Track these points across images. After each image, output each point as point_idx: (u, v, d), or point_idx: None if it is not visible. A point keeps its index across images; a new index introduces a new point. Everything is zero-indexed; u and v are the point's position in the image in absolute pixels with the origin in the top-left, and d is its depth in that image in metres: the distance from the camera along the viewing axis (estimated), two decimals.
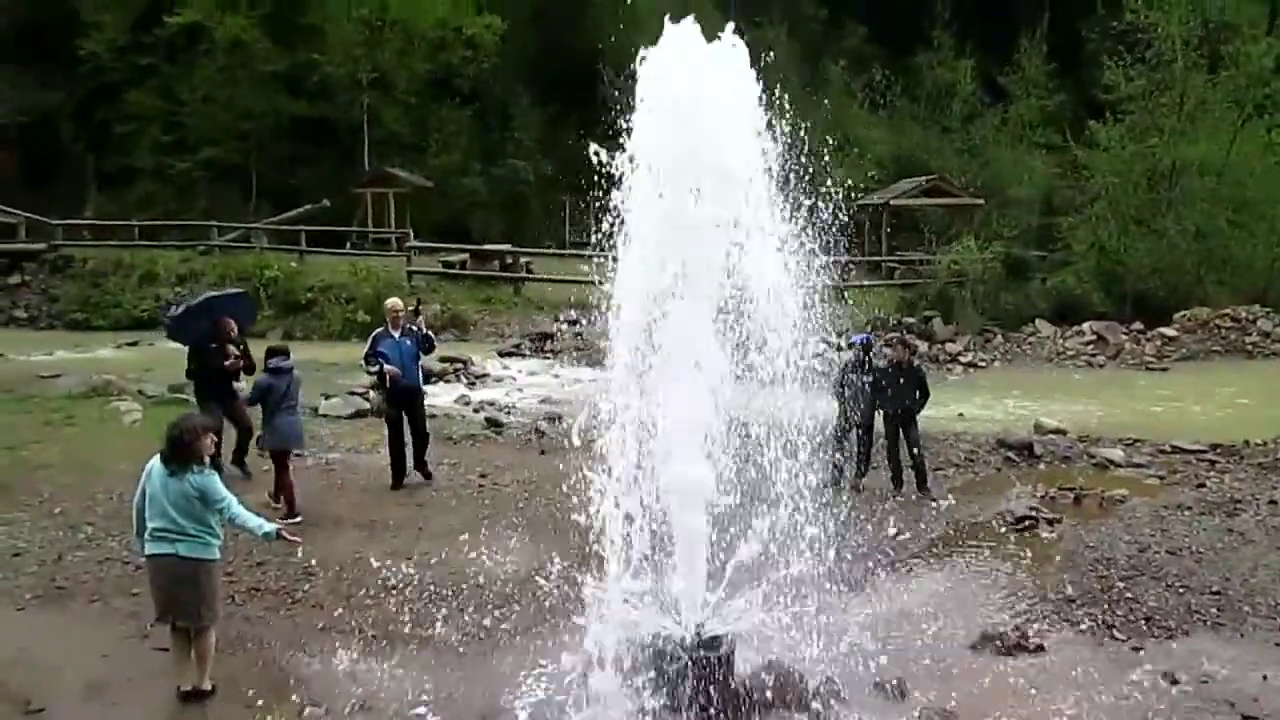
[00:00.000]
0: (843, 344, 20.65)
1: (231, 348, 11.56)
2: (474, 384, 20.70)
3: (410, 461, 11.78)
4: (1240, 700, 6.57)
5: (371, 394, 15.35)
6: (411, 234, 31.65)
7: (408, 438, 11.72)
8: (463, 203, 38.27)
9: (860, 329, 14.88)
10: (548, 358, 24.27)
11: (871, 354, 12.34)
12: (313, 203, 34.54)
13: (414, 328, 11.69)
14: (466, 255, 30.95)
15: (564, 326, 26.06)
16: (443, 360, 21.83)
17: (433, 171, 37.95)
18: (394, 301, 12.12)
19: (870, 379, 11.75)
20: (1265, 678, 6.92)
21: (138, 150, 37.99)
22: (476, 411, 17.30)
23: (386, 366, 11.25)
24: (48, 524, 10.12)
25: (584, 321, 26.60)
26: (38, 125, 37.76)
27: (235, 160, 37.57)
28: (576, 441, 5.95)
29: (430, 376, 20.52)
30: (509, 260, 30.60)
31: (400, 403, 11.53)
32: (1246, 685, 6.81)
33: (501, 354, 24.19)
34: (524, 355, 24.44)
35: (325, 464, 12.75)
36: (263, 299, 26.01)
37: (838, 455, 11.63)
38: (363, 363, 11.90)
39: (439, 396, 18.95)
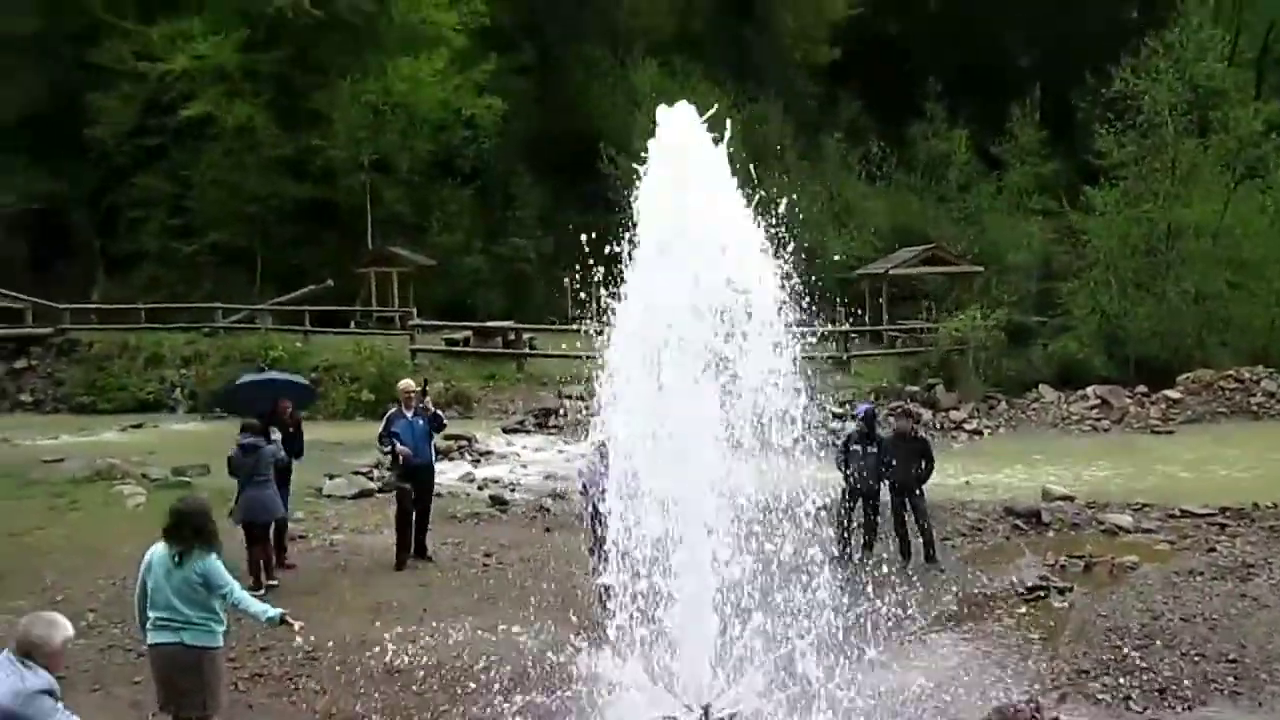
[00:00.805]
0: (845, 413, 20.65)
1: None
2: (478, 461, 20.64)
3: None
4: None
5: (385, 473, 15.39)
6: (415, 312, 31.84)
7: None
8: (465, 281, 38.56)
9: (864, 399, 14.91)
10: (552, 433, 24.21)
11: (876, 424, 12.34)
12: (316, 283, 34.83)
13: (424, 406, 11.95)
14: (469, 332, 31.08)
15: (568, 401, 26.07)
16: (447, 438, 21.74)
17: (435, 250, 38.31)
18: (407, 383, 12.61)
19: (875, 449, 11.74)
20: None
21: (144, 234, 38.44)
22: (481, 489, 17.24)
23: (399, 447, 11.54)
24: (51, 610, 10.03)
25: (587, 395, 26.69)
26: (47, 212, 38.31)
27: (240, 243, 37.97)
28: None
29: (436, 454, 20.59)
30: (511, 336, 30.72)
31: (413, 480, 11.80)
32: None
33: (505, 430, 24.14)
34: (528, 431, 24.40)
35: (329, 545, 12.70)
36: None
37: (844, 527, 11.56)
38: (378, 443, 12.12)
39: (443, 474, 18.73)
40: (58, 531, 13.26)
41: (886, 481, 11.85)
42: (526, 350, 30.03)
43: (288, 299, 34.05)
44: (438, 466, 19.78)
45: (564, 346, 29.69)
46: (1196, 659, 8.51)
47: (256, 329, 30.68)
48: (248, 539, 10.75)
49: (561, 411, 25.45)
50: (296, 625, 5.72)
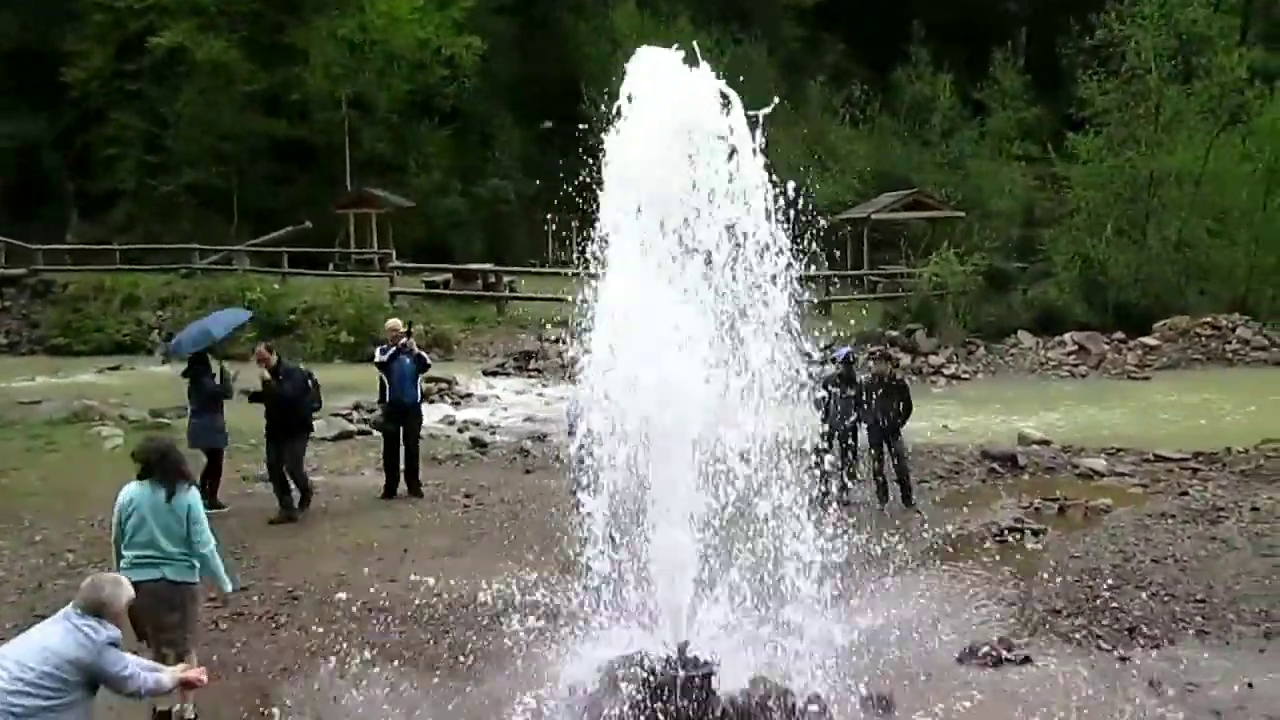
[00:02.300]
0: (825, 357, 20.71)
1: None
2: (459, 404, 20.64)
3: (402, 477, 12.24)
4: (1225, 708, 6.60)
5: (376, 408, 15.40)
6: (394, 254, 31.58)
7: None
8: (444, 222, 38.27)
9: (844, 343, 14.90)
10: (532, 376, 24.22)
11: (855, 367, 12.36)
12: (294, 224, 34.49)
13: (409, 346, 12.16)
14: (450, 275, 30.93)
15: (548, 345, 26.04)
16: (427, 380, 21.71)
17: (414, 191, 37.96)
18: (394, 322, 12.87)
19: (853, 392, 11.78)
20: (1250, 685, 6.94)
21: (120, 173, 37.95)
22: (461, 431, 17.26)
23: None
24: (28, 552, 10.03)
25: (567, 339, 26.64)
26: (21, 152, 37.68)
27: (217, 183, 37.54)
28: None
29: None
30: (492, 279, 30.58)
31: (398, 419, 12.13)
32: (1231, 693, 6.83)
33: (486, 373, 24.14)
34: (508, 374, 24.38)
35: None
36: (245, 322, 25.90)
37: (822, 469, 11.60)
38: (379, 370, 12.28)
39: (424, 417, 18.86)
40: (34, 473, 13.21)
41: (864, 424, 11.90)
42: (507, 293, 29.92)
43: (265, 240, 33.74)
44: None
45: (545, 290, 29.73)
46: (1166, 599, 8.65)
47: (234, 270, 30.40)
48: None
49: (542, 355, 25.45)
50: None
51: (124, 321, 27.30)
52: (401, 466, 12.22)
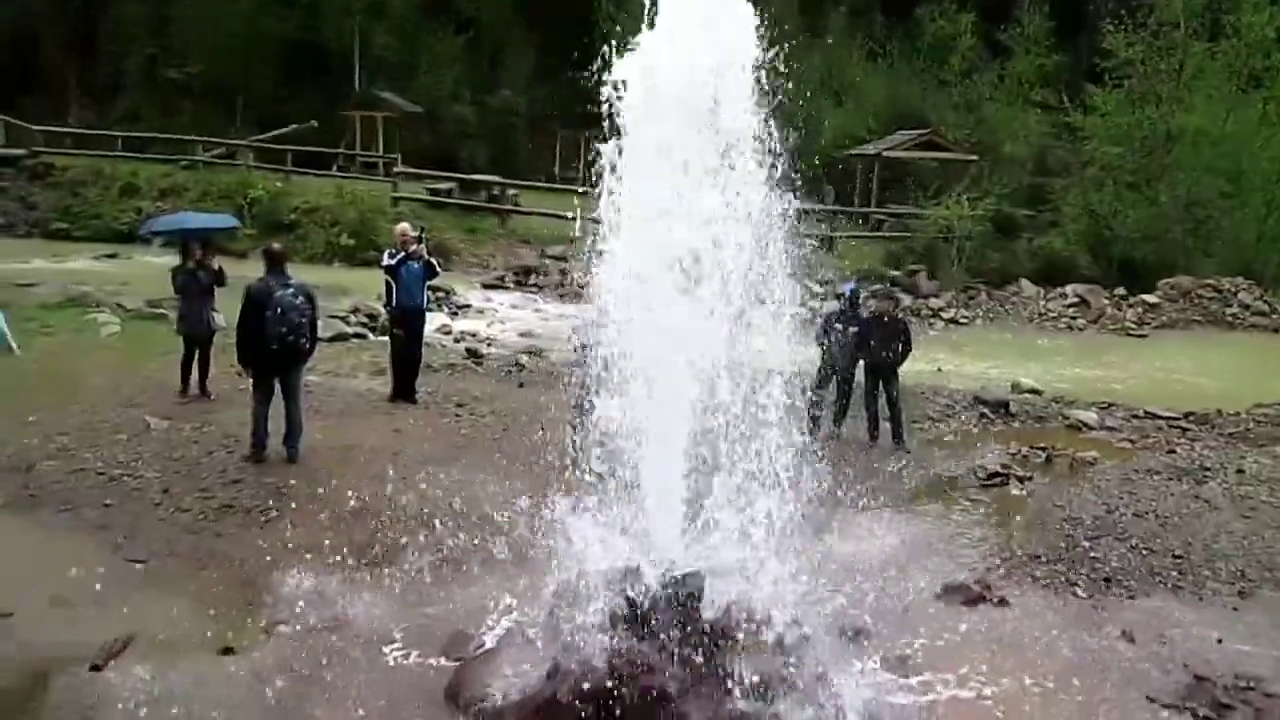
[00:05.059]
0: (826, 294, 20.69)
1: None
2: (456, 314, 20.61)
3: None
4: (1194, 661, 6.71)
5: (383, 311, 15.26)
6: (399, 159, 31.19)
7: None
8: (451, 131, 37.79)
9: (847, 279, 14.85)
10: (531, 292, 24.15)
11: (858, 304, 12.31)
12: (300, 123, 34.01)
13: (419, 252, 12.09)
14: (453, 184, 30.58)
15: (549, 261, 25.91)
16: (428, 289, 21.71)
17: (422, 97, 37.39)
18: (404, 226, 12.68)
19: (855, 329, 11.76)
20: (1220, 640, 7.06)
21: (123, 64, 37.26)
22: (457, 342, 17.26)
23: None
24: (20, 432, 10.03)
25: (570, 257, 26.50)
26: (20, 35, 36.91)
27: (222, 78, 36.89)
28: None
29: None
30: (496, 191, 30.26)
31: (405, 325, 12.21)
32: (1201, 647, 6.95)
33: (485, 286, 24.06)
34: (507, 288, 24.30)
35: (304, 387, 12.66)
36: (246, 218, 25.69)
37: (816, 403, 11.66)
38: (385, 274, 12.25)
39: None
40: (29, 356, 13.15)
41: (862, 361, 11.90)
42: (510, 206, 29.64)
43: (269, 136, 33.27)
44: None
45: (549, 207, 29.47)
46: (1144, 552, 8.75)
47: (237, 165, 30.01)
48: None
49: (542, 271, 25.35)
50: None
51: (123, 209, 26.95)
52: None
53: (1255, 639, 7.12)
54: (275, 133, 33.42)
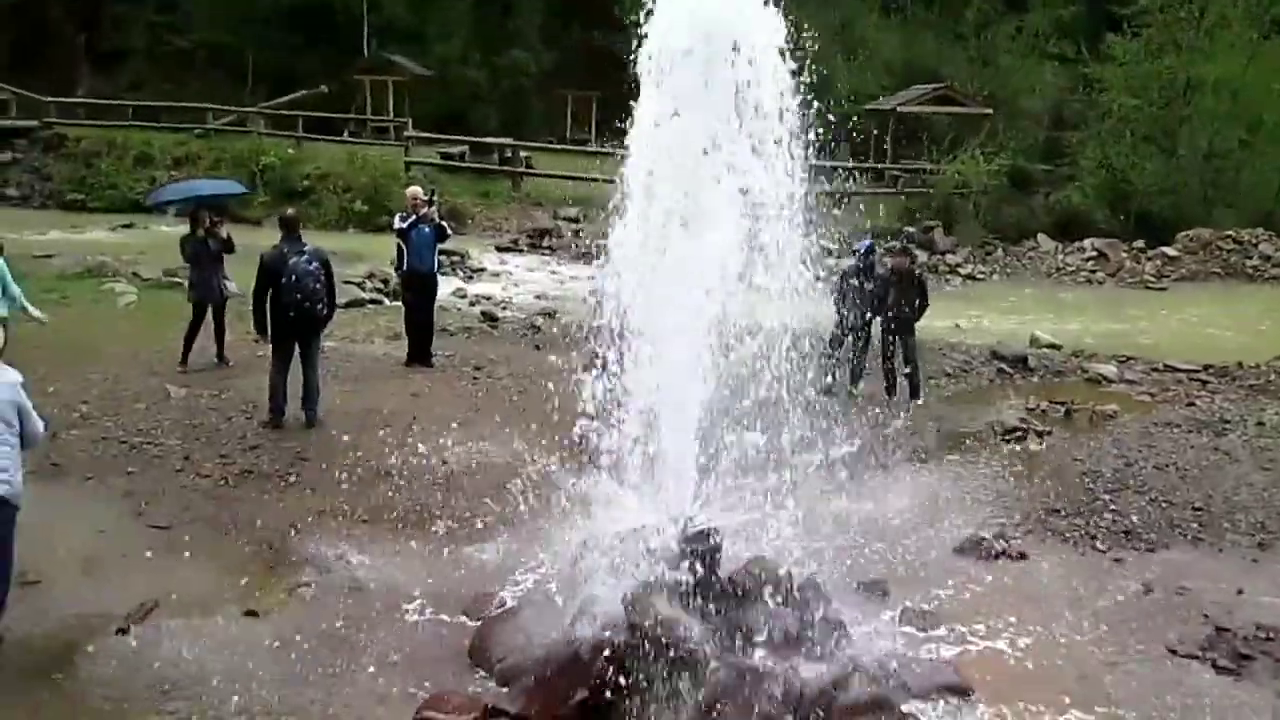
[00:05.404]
0: (841, 249, 20.53)
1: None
2: (471, 278, 20.62)
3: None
4: (1214, 612, 6.71)
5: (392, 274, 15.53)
6: (410, 123, 31.05)
7: None
8: (462, 93, 37.56)
9: (863, 235, 14.74)
10: (545, 254, 24.10)
11: (875, 260, 12.21)
12: (310, 89, 33.87)
13: (429, 215, 12.12)
14: (466, 147, 30.47)
15: (562, 224, 25.84)
16: (440, 253, 21.67)
17: (432, 61, 37.15)
18: (415, 190, 12.69)
19: (872, 285, 11.68)
20: (1240, 592, 7.05)
21: (131, 30, 37.10)
22: (472, 305, 17.27)
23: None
24: (42, 401, 10.02)
25: (583, 218, 26.42)
26: (28, 4, 36.73)
27: (231, 44, 36.71)
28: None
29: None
30: (508, 154, 30.12)
31: (415, 289, 12.30)
32: (1221, 598, 6.94)
33: (499, 249, 24.03)
34: (521, 251, 24.26)
35: (320, 352, 12.69)
36: (259, 185, 25.70)
37: (833, 360, 11.63)
38: (396, 226, 12.35)
39: (440, 287, 18.91)
40: (47, 325, 13.20)
41: (879, 318, 11.84)
42: (523, 169, 29.52)
43: (280, 102, 33.19)
44: None
45: (562, 168, 29.34)
46: (1164, 505, 8.72)
47: (248, 133, 29.96)
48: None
49: (556, 234, 25.29)
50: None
51: (137, 179, 26.95)
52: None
53: (1276, 590, 7.11)
54: (286, 98, 33.31)
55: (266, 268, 9.58)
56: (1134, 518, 8.42)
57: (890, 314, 11.74)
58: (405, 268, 12.31)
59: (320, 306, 9.75)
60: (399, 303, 13.93)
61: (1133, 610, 6.79)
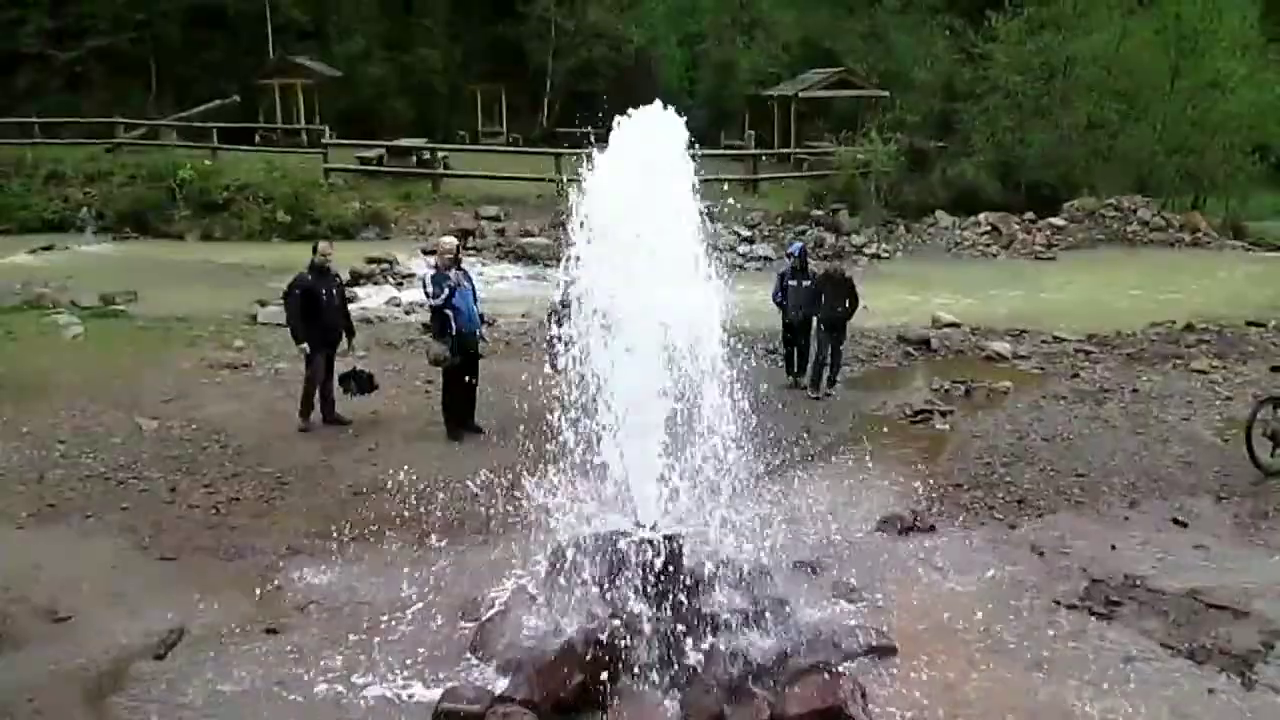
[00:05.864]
0: (753, 236, 21.72)
1: None
2: (401, 284, 21.12)
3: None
4: (1091, 567, 7.99)
5: (426, 340, 12.73)
6: (327, 130, 31.23)
7: None
8: (371, 92, 37.68)
9: (794, 239, 15.88)
10: (470, 254, 24.65)
11: (808, 261, 13.34)
12: (216, 94, 33.77)
13: (460, 261, 10.90)
14: (383, 151, 30.82)
15: (484, 223, 26.47)
16: (369, 261, 22.23)
17: (338, 60, 37.20)
18: (451, 242, 11.26)
19: (809, 283, 12.79)
20: (1114, 547, 8.36)
21: (21, 36, 36.27)
22: (408, 314, 17.82)
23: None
24: (19, 442, 10.60)
25: (504, 216, 27.10)
26: None
27: (130, 50, 36.22)
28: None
29: (359, 278, 21.04)
30: (426, 155, 30.59)
31: (464, 351, 10.88)
32: (1098, 554, 8.24)
33: (425, 252, 24.48)
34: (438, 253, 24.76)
35: (275, 373, 13.34)
36: (178, 199, 25.80)
37: (789, 354, 12.86)
38: (430, 302, 10.86)
39: (370, 299, 19.49)
40: (0, 362, 13.52)
41: (816, 317, 12.90)
42: (442, 170, 30.01)
43: (192, 114, 32.99)
44: (362, 290, 20.45)
45: (477, 167, 29.93)
46: (1051, 474, 10.06)
47: (162, 145, 29.85)
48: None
49: (479, 234, 25.93)
50: None
51: (50, 199, 26.73)
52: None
53: (1142, 544, 8.46)
54: (197, 110, 33.14)
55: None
56: (1026, 487, 9.74)
57: (825, 314, 12.80)
58: (455, 333, 10.74)
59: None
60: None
61: (1025, 569, 8.03)
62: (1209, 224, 27.71)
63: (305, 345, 11.22)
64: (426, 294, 10.85)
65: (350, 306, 13.02)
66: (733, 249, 24.17)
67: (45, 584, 7.67)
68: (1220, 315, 17.46)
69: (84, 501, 9.25)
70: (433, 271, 11.02)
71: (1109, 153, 30.68)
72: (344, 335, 11.57)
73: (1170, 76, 30.29)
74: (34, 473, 9.85)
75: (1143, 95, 31.21)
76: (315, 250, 11.54)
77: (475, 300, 11.10)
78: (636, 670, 6.15)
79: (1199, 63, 30.16)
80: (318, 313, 11.16)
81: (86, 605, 7.39)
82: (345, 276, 19.75)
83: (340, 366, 11.52)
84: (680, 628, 6.31)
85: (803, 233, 25.20)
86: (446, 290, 10.63)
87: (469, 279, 11.08)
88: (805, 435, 10.92)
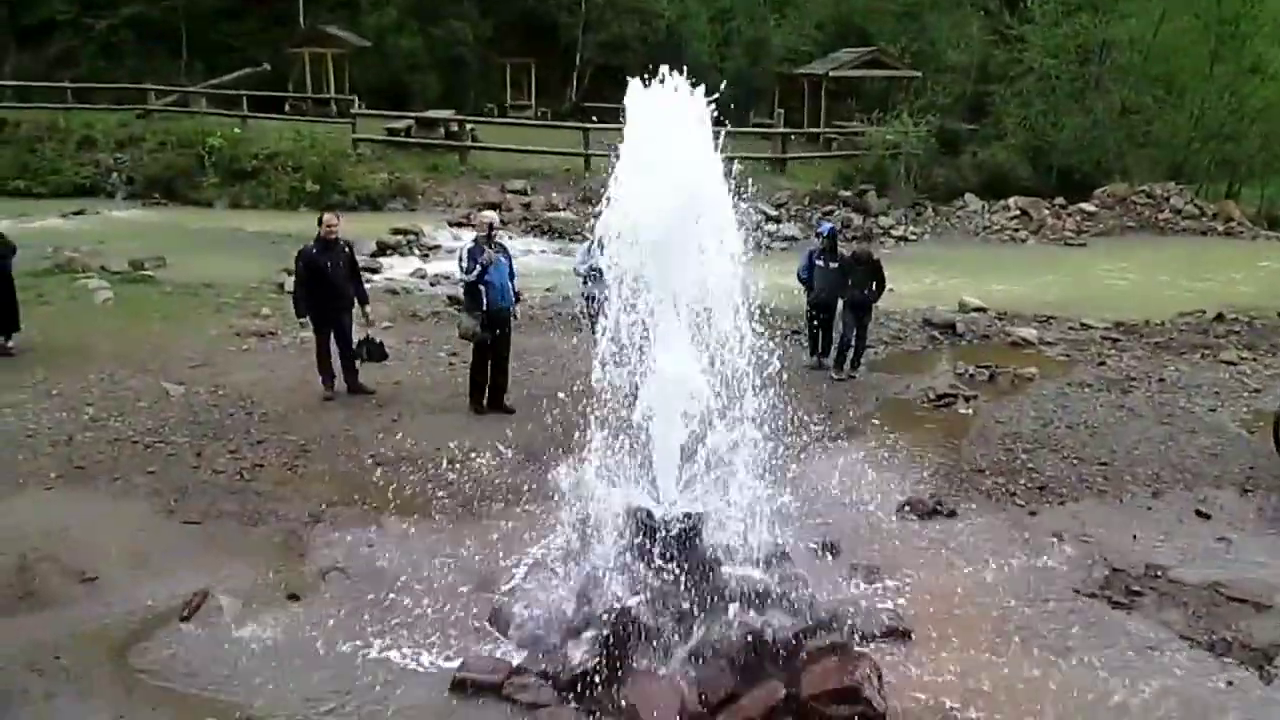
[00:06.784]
0: (780, 216, 21.62)
1: None
2: (427, 255, 21.21)
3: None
4: (1112, 556, 7.95)
5: (459, 313, 12.25)
6: (356, 100, 31.28)
7: None
8: (401, 64, 37.65)
9: (826, 219, 15.78)
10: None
11: (837, 242, 13.27)
12: (247, 63, 33.86)
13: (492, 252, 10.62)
14: (411, 122, 30.84)
15: (511, 196, 26.48)
16: (395, 232, 22.30)
17: (368, 31, 37.21)
18: (491, 217, 11.20)
19: (837, 264, 12.73)
20: (1135, 537, 8.32)
21: (55, 3, 36.48)
22: (433, 285, 17.90)
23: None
24: (49, 405, 10.76)
25: (531, 191, 27.11)
26: None
27: (162, 18, 36.37)
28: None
29: (385, 248, 21.14)
30: (454, 128, 30.60)
31: (494, 327, 10.78)
32: (1119, 543, 8.20)
33: (451, 224, 24.59)
34: (473, 226, 24.84)
35: (300, 342, 13.40)
36: (207, 166, 25.97)
37: (814, 335, 12.84)
38: (462, 275, 10.80)
39: (395, 269, 19.57)
40: (32, 326, 13.59)
41: (843, 298, 12.85)
42: (469, 143, 30.02)
43: (222, 81, 33.13)
44: (388, 261, 20.54)
45: (505, 140, 29.92)
46: (1075, 461, 9.99)
47: (192, 113, 30.00)
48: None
49: (505, 207, 25.92)
50: None
51: (82, 163, 26.97)
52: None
53: (1164, 534, 8.40)
54: (228, 77, 33.25)
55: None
56: (1049, 474, 9.69)
57: (851, 294, 12.73)
58: (488, 308, 10.62)
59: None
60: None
61: (1045, 557, 8.00)
62: (1243, 213, 27.29)
63: (304, 319, 11.29)
64: (461, 268, 10.77)
65: (375, 277, 13.12)
66: (759, 228, 24.10)
67: (73, 545, 7.79)
68: (1251, 306, 17.27)
69: (111, 464, 9.37)
70: (470, 245, 10.87)
71: (1143, 138, 30.28)
72: (359, 303, 11.43)
73: (1209, 62, 29.80)
74: (63, 435, 9.98)
75: (1179, 80, 30.78)
76: (320, 222, 11.44)
77: (512, 276, 10.97)
78: (653, 646, 6.19)
79: (1239, 48, 29.67)
80: (323, 284, 11.06)
81: (113, 567, 7.51)
82: (371, 247, 20.13)
83: (357, 334, 11.56)
84: (697, 605, 6.34)
85: (830, 213, 25.04)
86: (480, 266, 10.53)
87: (506, 254, 10.95)
88: (828, 417, 10.88)
